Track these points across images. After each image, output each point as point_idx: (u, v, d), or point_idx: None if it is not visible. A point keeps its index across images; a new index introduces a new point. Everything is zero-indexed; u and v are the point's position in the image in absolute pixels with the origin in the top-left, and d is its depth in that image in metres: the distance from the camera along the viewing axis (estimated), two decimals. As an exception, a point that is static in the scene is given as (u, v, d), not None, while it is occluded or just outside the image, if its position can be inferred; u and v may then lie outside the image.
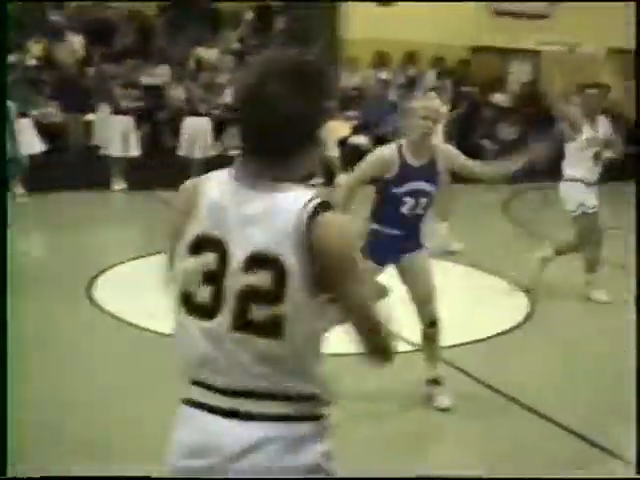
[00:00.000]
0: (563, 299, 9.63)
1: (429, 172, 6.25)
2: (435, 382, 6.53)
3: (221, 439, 2.64)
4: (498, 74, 20.25)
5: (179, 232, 2.72)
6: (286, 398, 2.66)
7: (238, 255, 2.61)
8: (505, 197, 15.82)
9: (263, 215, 2.61)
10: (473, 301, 9.24)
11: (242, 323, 2.62)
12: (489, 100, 18.69)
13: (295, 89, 2.61)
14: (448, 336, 6.53)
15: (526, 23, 20.13)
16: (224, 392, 2.67)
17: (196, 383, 2.72)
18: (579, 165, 9.44)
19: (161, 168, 14.70)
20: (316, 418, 2.72)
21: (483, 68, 19.83)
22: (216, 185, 2.71)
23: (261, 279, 2.59)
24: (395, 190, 6.16)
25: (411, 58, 19.00)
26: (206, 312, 2.67)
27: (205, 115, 15.89)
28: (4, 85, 5.72)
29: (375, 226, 6.27)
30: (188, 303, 2.70)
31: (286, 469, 2.63)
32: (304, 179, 2.72)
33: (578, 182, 9.41)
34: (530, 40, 20.32)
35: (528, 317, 8.85)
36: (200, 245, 2.68)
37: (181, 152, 15.68)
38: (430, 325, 6.37)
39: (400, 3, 18.73)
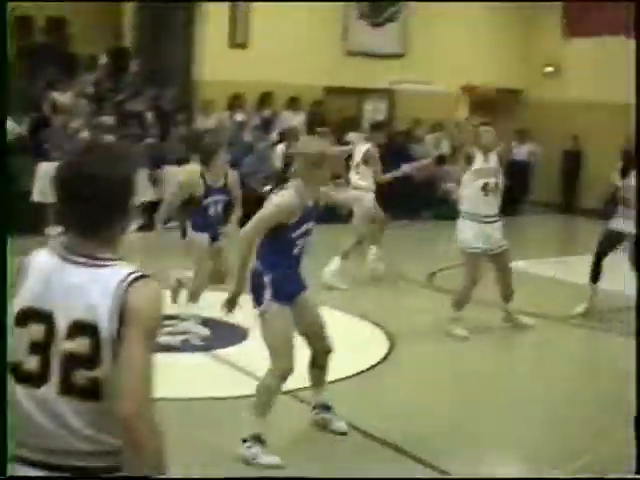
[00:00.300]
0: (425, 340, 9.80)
1: (316, 211, 6.38)
2: (326, 407, 6.76)
3: None
4: (352, 113, 20.53)
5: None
6: (107, 454, 2.89)
7: (62, 324, 2.84)
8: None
9: (84, 287, 2.86)
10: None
11: (67, 387, 2.84)
12: (344, 139, 18.90)
13: (105, 173, 2.90)
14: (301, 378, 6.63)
15: (380, 62, 20.45)
16: (50, 452, 2.87)
17: (20, 456, 2.92)
18: (473, 200, 9.71)
19: (14, 213, 14.33)
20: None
21: (338, 108, 20.08)
22: (43, 261, 2.96)
23: (79, 345, 2.83)
24: (293, 234, 6.19)
25: (266, 99, 19.06)
26: (34, 380, 2.87)
27: (59, 160, 15.59)
28: (4, 85, 5.67)
29: (269, 272, 6.24)
30: (18, 372, 2.89)
31: None
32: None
33: (472, 218, 9.69)
34: (384, 79, 20.68)
35: (386, 358, 8.95)
36: (26, 317, 2.89)
37: (35, 197, 15.37)
38: (325, 354, 6.65)
39: (255, 44, 18.85)
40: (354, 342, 9.36)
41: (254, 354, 7.16)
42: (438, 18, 20.94)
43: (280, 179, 6.81)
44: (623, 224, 10.72)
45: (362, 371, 8.39)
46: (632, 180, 10.66)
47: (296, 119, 18.97)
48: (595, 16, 21.05)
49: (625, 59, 20.36)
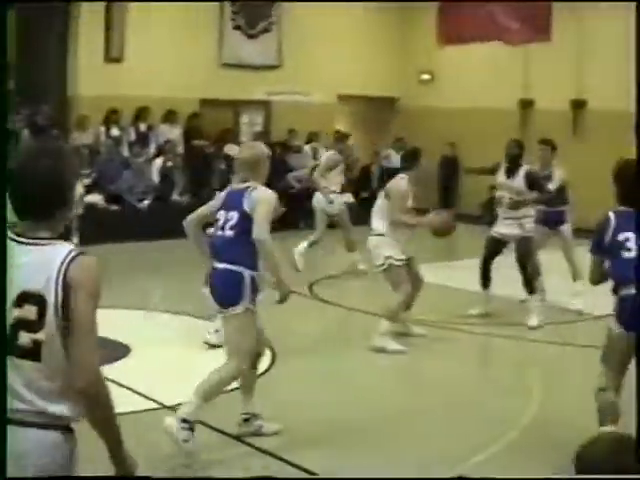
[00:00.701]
0: (308, 351, 9.86)
1: None
2: (256, 415, 7.03)
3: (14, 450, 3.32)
4: (230, 126, 20.53)
5: None
6: (47, 412, 3.36)
7: (12, 296, 3.35)
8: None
9: (32, 263, 3.39)
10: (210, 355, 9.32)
11: (19, 350, 3.33)
12: (222, 152, 18.90)
13: (48, 169, 3.48)
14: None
15: (256, 74, 20.51)
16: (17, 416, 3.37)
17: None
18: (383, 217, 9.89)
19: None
20: (66, 428, 3.43)
21: (214, 120, 20.05)
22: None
23: (27, 312, 3.34)
24: None
25: (142, 113, 18.88)
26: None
27: None
28: (4, 86, 5.52)
29: (249, 273, 6.76)
30: None
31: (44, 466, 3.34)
32: (62, 237, 3.55)
33: (383, 235, 9.82)
34: (260, 91, 20.75)
35: (268, 370, 8.93)
36: None
37: None
38: (259, 356, 7.06)
39: (131, 58, 18.68)
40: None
41: (135, 371, 7.12)
42: (313, 28, 21.06)
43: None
44: (504, 228, 11.10)
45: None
46: (516, 181, 10.98)
47: (173, 133, 18.89)
48: (469, 23, 21.47)
49: (500, 64, 20.90)
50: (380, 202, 10.08)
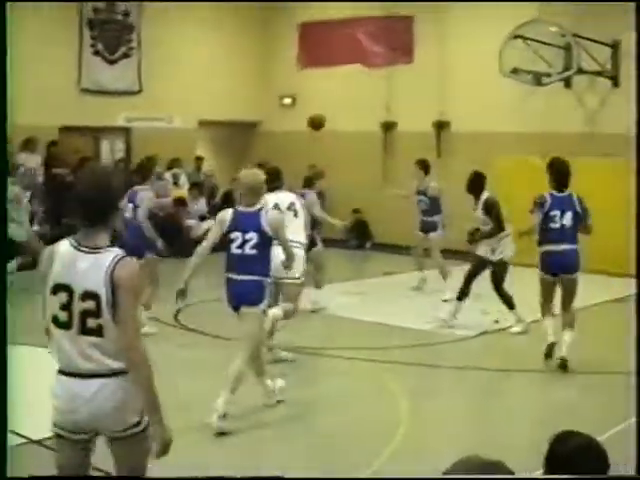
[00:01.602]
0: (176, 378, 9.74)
1: None
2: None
3: (79, 393, 4.63)
4: (90, 153, 20.20)
5: (45, 284, 4.67)
6: (112, 367, 4.64)
7: (77, 292, 4.57)
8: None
9: (90, 268, 4.57)
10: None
11: (84, 329, 4.59)
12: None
13: (103, 188, 4.68)
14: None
15: (116, 100, 20.27)
16: (74, 370, 4.64)
17: (60, 369, 4.70)
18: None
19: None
20: (124, 373, 4.65)
21: (74, 148, 19.70)
22: (63, 247, 4.67)
23: (89, 304, 4.56)
24: None
25: (-1, 141, 18.40)
26: (64, 326, 4.63)
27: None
28: (4, 86, 5.45)
29: (267, 278, 8.34)
30: (55, 321, 4.65)
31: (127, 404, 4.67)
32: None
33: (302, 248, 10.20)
34: (120, 117, 20.52)
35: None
36: (56, 288, 4.62)
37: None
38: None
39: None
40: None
41: None
42: (173, 54, 20.99)
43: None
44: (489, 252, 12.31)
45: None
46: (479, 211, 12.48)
47: (33, 160, 18.47)
48: (330, 46, 21.71)
49: (362, 87, 21.14)
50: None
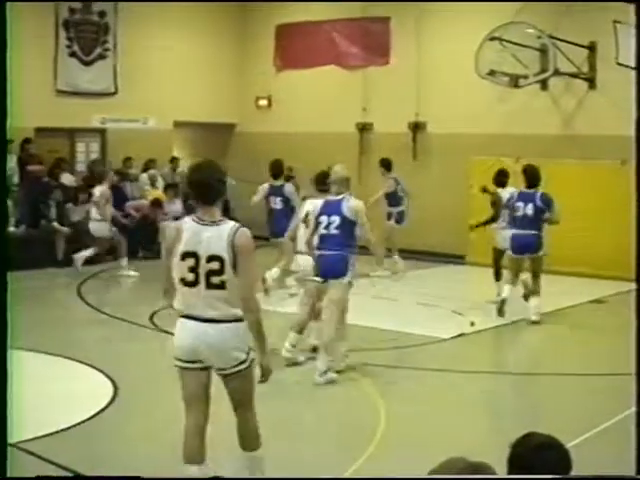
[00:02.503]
0: (150, 381, 9.70)
1: None
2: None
3: (203, 333, 5.89)
4: (65, 154, 20.09)
5: (170, 252, 5.92)
6: (232, 315, 5.87)
7: (203, 256, 5.79)
8: (79, 280, 15.70)
9: (213, 236, 5.81)
10: (53, 391, 9.05)
11: (209, 285, 5.81)
12: (58, 181, 18.50)
13: (214, 175, 6.02)
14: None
15: (91, 101, 20.17)
16: (201, 316, 5.88)
17: (186, 315, 5.94)
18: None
19: None
20: (241, 320, 5.89)
21: (50, 148, 19.60)
22: (188, 223, 5.92)
23: (214, 265, 5.78)
24: None
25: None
26: (191, 283, 5.84)
27: None
28: (4, 86, 5.40)
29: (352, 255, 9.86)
30: (183, 281, 5.87)
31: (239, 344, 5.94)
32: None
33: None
34: (96, 118, 20.42)
35: (111, 404, 8.79)
36: (185, 255, 5.83)
37: None
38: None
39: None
40: (77, 390, 9.18)
41: None
42: (149, 55, 20.92)
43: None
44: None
45: (87, 419, 8.18)
46: None
47: (9, 161, 18.31)
48: (307, 47, 21.69)
49: (339, 88, 21.13)
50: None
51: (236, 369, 5.92)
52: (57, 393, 8.93)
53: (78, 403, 8.75)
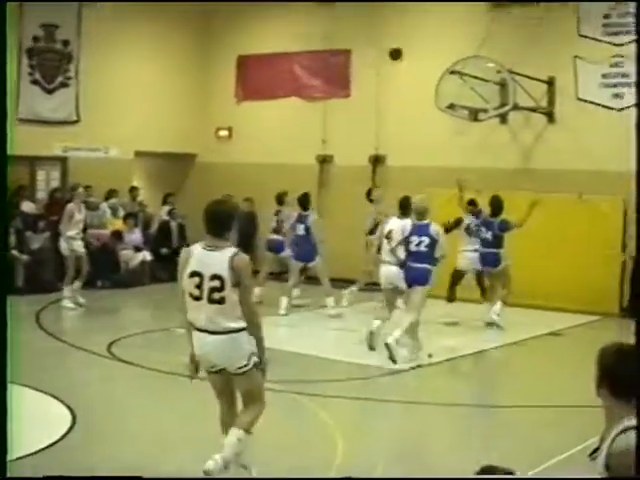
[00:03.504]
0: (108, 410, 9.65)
1: None
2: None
3: (207, 343, 6.90)
4: (25, 182, 19.99)
5: (181, 273, 6.93)
6: (228, 327, 6.84)
7: (207, 276, 6.76)
8: (38, 308, 15.62)
9: (216, 260, 6.78)
10: (9, 419, 8.98)
11: (210, 300, 6.76)
12: (18, 209, 18.41)
13: (224, 211, 7.10)
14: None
15: (53, 129, 20.11)
16: (204, 328, 6.87)
17: (193, 325, 6.93)
18: None
19: None
20: (243, 329, 6.86)
21: (10, 177, 19.45)
22: (197, 249, 6.93)
23: (216, 283, 6.74)
24: None
25: None
26: (197, 298, 6.81)
27: None
28: (4, 86, 5.30)
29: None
30: (191, 295, 6.85)
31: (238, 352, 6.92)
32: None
33: None
34: (57, 146, 20.36)
35: (70, 432, 8.73)
36: (192, 274, 6.82)
37: None
38: None
39: None
40: (34, 417, 9.11)
41: None
42: (111, 83, 20.91)
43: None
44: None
45: (45, 447, 8.13)
46: None
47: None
48: (268, 79, 21.81)
49: (300, 120, 21.22)
50: None
51: (239, 371, 6.94)
52: (14, 421, 8.85)
53: (36, 431, 8.69)
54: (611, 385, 4.26)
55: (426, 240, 12.19)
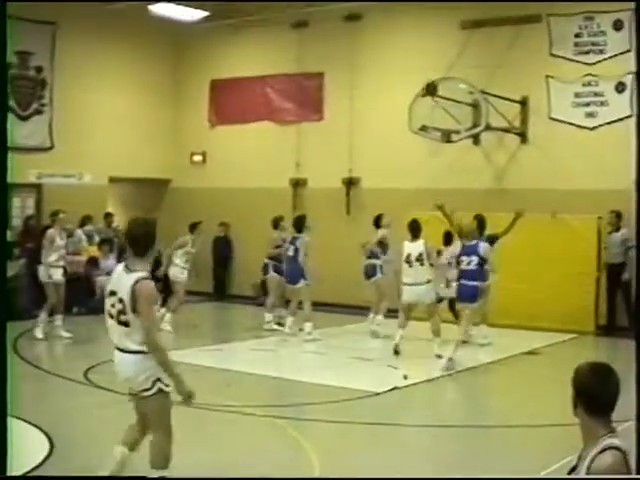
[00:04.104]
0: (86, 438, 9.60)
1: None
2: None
3: (118, 362, 6.93)
4: (0, 210, 19.90)
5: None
6: (132, 349, 6.76)
7: (117, 297, 6.73)
8: (14, 334, 15.53)
9: (125, 282, 6.70)
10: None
11: (119, 321, 6.75)
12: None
13: (143, 230, 6.95)
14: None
15: (27, 156, 20.02)
16: (116, 345, 6.90)
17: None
18: None
19: None
20: (142, 352, 6.75)
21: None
22: (118, 268, 6.96)
23: (120, 306, 6.71)
24: None
25: None
26: (111, 316, 6.82)
27: None
28: (4, 86, 5.20)
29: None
30: (108, 313, 6.87)
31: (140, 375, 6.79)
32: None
33: None
34: (31, 173, 20.29)
35: (47, 459, 8.68)
36: (110, 293, 6.86)
37: None
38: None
39: None
40: (11, 445, 9.03)
41: None
42: (85, 110, 20.97)
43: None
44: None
45: (23, 475, 8.07)
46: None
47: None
48: (240, 103, 21.88)
49: (273, 144, 21.28)
50: None
51: (142, 394, 6.84)
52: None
53: (14, 458, 8.62)
54: (587, 404, 4.30)
55: (475, 259, 13.41)
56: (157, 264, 16.97)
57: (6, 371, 3.17)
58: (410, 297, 14.32)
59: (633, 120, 15.76)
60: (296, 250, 16.21)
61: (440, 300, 15.33)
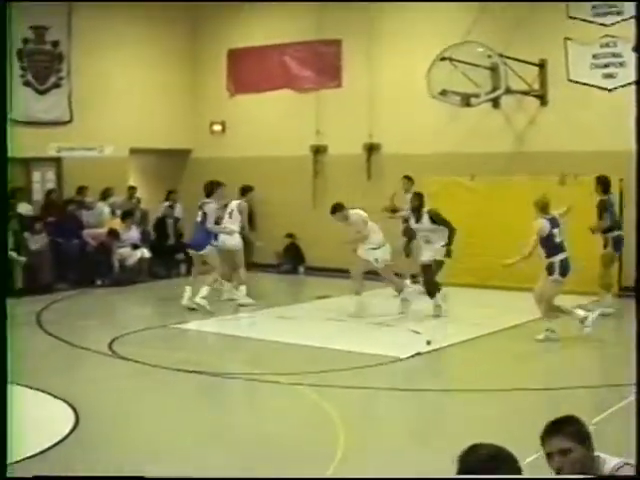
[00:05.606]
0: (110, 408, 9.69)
1: None
2: None
3: None
4: (21, 184, 19.98)
5: None
6: None
7: None
8: (37, 308, 15.66)
9: None
10: (12, 420, 9.01)
11: None
12: (14, 211, 18.41)
13: None
14: None
15: (46, 130, 20.09)
16: None
17: None
18: None
19: None
20: None
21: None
22: None
23: None
24: None
25: None
26: None
27: None
28: (4, 86, 5.33)
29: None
30: None
31: None
32: None
33: None
34: (51, 147, 20.34)
35: (72, 432, 8.71)
36: None
37: None
38: None
39: None
40: (37, 418, 9.14)
41: None
42: (103, 82, 20.93)
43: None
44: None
45: (48, 448, 8.15)
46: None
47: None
48: (259, 72, 21.83)
49: (292, 112, 21.23)
50: None
51: None
52: (17, 422, 8.89)
53: (39, 431, 8.72)
54: None
55: (557, 231, 13.08)
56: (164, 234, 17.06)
57: (6, 371, 3.11)
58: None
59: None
60: (204, 215, 15.64)
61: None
